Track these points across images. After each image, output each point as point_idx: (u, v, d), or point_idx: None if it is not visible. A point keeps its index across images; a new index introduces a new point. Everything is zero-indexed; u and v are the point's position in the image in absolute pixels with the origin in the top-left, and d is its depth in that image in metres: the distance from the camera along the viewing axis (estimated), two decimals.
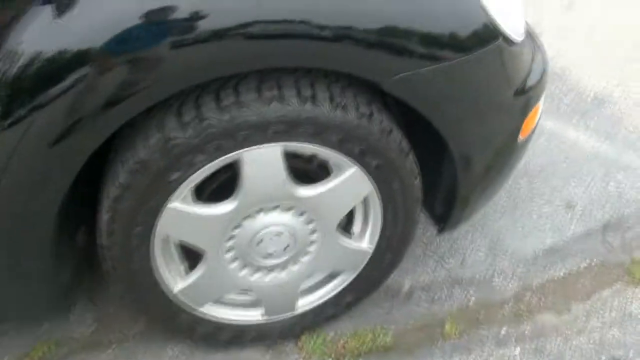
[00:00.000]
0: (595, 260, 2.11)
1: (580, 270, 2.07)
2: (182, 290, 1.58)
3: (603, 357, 1.77)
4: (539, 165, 2.54)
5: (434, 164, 1.71)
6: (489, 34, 1.42)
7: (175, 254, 1.55)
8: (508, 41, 1.47)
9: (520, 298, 1.96)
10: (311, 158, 1.51)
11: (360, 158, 1.45)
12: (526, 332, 1.84)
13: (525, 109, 1.67)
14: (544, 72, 1.73)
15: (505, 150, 1.71)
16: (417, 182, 1.59)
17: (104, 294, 1.90)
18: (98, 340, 1.79)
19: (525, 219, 2.27)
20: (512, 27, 1.48)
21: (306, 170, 1.55)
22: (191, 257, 1.58)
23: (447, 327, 1.84)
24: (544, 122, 2.80)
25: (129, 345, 1.79)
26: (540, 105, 1.76)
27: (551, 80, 3.04)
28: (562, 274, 2.05)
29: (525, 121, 1.68)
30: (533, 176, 2.48)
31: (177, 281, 1.57)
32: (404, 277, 2.01)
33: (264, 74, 1.32)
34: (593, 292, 1.99)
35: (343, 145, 1.41)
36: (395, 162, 1.50)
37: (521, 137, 1.72)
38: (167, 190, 1.36)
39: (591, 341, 1.82)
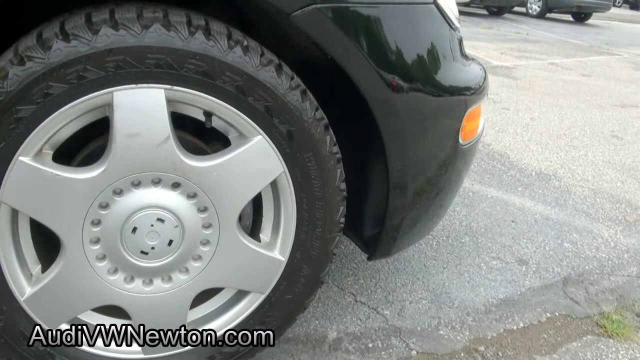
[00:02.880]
0: (557, 313, 1.80)
1: (542, 323, 1.74)
2: (32, 298, 1.17)
3: None
4: (483, 225, 2.29)
5: (356, 178, 1.45)
6: None
7: (26, 243, 1.18)
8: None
9: (473, 350, 1.59)
10: (205, 131, 1.23)
11: (265, 121, 1.17)
12: None
13: (462, 106, 1.46)
14: (483, 77, 1.57)
15: (446, 155, 1.46)
16: (340, 169, 1.30)
17: None
18: None
19: (472, 272, 1.96)
20: None
21: (200, 149, 1.27)
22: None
23: None
24: (486, 189, 2.60)
25: None
26: (482, 109, 1.57)
27: (489, 159, 2.92)
28: (520, 326, 1.72)
29: (466, 118, 1.47)
30: (478, 234, 2.21)
31: (25, 284, 1.18)
32: (328, 326, 1.63)
33: None
34: (559, 344, 1.65)
35: (243, 98, 1.13)
36: (310, 133, 1.22)
37: (462, 139, 1.49)
38: (15, 135, 1.04)
39: None
